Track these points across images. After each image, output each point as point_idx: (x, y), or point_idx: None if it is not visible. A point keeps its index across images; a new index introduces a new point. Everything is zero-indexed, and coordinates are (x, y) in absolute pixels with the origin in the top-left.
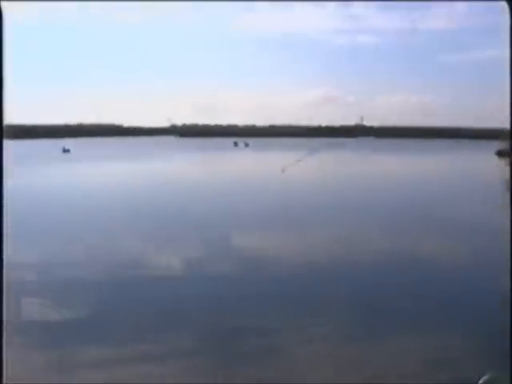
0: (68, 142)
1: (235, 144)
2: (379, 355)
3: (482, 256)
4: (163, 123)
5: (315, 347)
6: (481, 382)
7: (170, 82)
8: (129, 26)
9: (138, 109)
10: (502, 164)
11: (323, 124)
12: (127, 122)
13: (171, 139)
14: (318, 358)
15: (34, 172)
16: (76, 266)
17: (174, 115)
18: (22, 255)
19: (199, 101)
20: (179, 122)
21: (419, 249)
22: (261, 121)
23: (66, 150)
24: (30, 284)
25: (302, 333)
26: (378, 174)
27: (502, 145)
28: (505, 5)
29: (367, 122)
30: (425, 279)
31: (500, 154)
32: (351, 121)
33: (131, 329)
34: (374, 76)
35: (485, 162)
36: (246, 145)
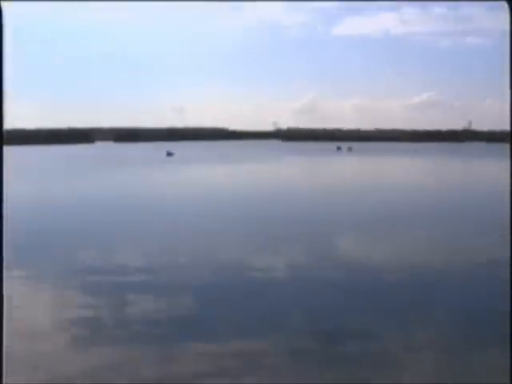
0: (172, 146)
1: (338, 148)
2: None
3: None
4: (268, 127)
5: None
6: None
7: (275, 86)
8: (232, 34)
9: (244, 113)
10: None
11: (429, 128)
12: (232, 125)
13: (275, 143)
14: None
15: (141, 174)
16: (188, 265)
17: (279, 119)
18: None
19: (304, 105)
20: (284, 125)
21: None
22: (365, 125)
23: (169, 154)
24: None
25: None
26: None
27: None
28: (505, 5)
29: (475, 127)
30: None
31: None
32: (458, 125)
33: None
34: (482, 79)
35: None
36: (349, 149)
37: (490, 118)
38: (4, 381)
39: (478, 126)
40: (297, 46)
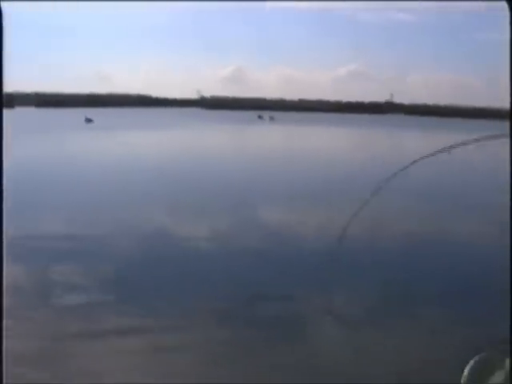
0: (93, 112)
1: (259, 117)
2: None
3: None
4: (192, 95)
5: None
6: (472, 361)
7: (199, 55)
8: (159, 2)
9: (167, 80)
10: None
11: (352, 100)
12: (158, 93)
13: (198, 111)
14: None
15: (55, 140)
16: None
17: (205, 88)
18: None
19: (229, 74)
20: (209, 94)
21: None
22: (290, 95)
23: (88, 120)
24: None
25: None
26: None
27: None
28: (505, 5)
29: (397, 100)
30: None
31: None
32: (381, 98)
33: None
34: (406, 54)
35: None
36: (271, 118)
37: (412, 92)
38: (4, 381)
39: (400, 99)
40: (221, 14)
